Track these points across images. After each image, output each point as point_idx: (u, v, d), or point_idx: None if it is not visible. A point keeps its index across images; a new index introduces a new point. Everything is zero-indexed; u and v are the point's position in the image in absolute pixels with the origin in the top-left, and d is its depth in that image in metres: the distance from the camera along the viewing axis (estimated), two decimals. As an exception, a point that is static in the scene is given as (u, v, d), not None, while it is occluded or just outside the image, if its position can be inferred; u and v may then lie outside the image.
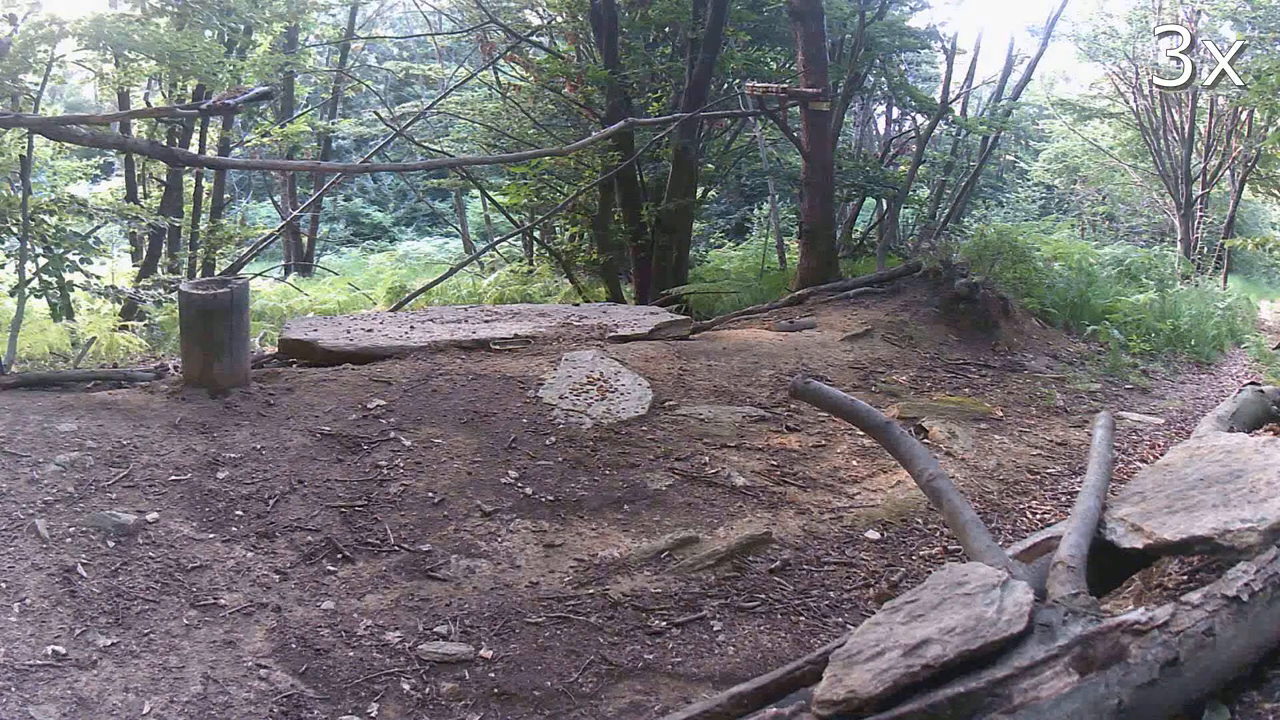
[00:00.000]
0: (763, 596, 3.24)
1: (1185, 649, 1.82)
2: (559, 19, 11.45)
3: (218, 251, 12.02)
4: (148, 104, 11.14)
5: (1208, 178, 17.09)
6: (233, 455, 3.73)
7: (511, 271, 13.52)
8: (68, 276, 6.61)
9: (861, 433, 3.92)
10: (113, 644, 2.58)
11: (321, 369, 4.93)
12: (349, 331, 5.61)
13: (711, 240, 15.76)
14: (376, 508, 3.55)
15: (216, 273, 11.05)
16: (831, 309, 7.42)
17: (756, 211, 14.99)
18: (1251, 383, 4.31)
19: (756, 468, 4.28)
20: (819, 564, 3.52)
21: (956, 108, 12.76)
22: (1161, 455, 3.78)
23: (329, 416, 4.21)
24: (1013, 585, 1.97)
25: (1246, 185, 17.01)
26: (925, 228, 12.34)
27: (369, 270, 15.06)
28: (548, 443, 4.25)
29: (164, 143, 8.90)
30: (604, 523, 3.66)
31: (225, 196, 14.28)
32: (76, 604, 2.70)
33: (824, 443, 4.67)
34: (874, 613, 2.13)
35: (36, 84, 7.44)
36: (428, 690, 2.64)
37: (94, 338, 8.75)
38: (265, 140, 12.11)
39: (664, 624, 3.04)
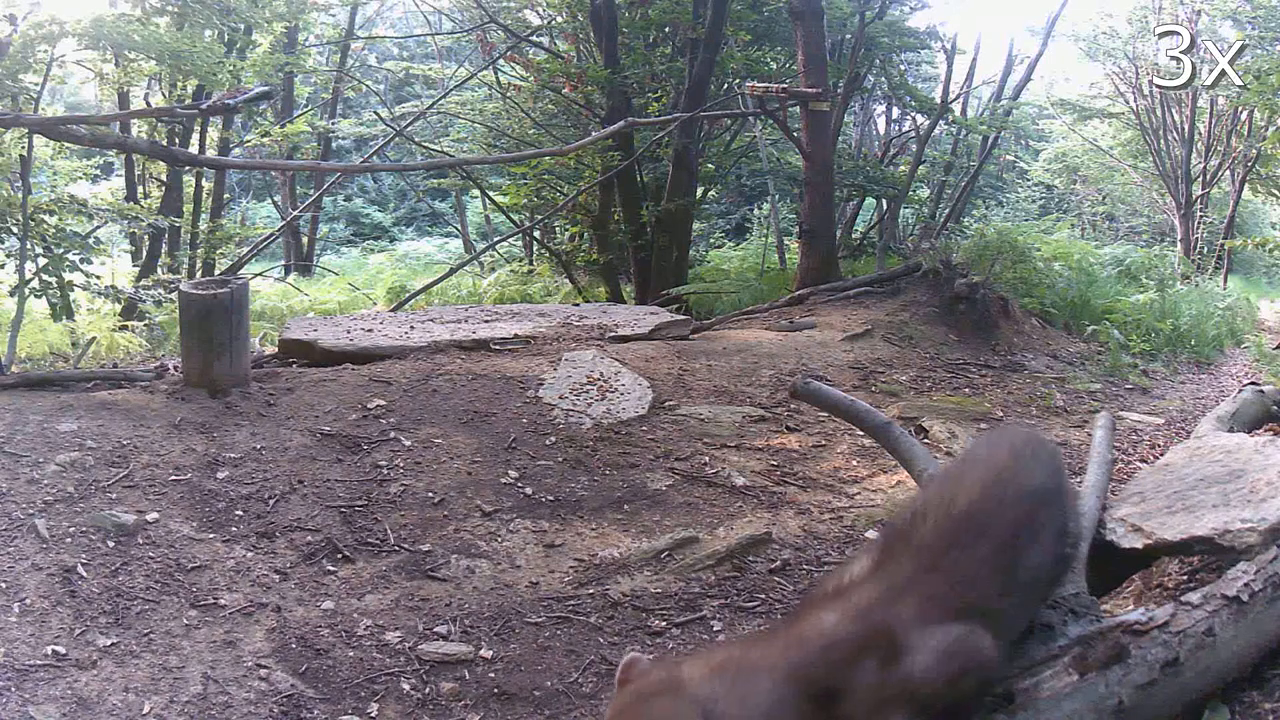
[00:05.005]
0: (763, 596, 3.24)
1: (1185, 649, 1.82)
2: (559, 19, 11.45)
3: (218, 251, 12.03)
4: (148, 104, 11.14)
5: (1208, 178, 17.08)
6: (233, 455, 3.73)
7: (511, 271, 13.52)
8: (68, 276, 6.61)
9: (861, 433, 3.92)
10: (113, 644, 2.58)
11: (321, 369, 4.93)
12: (349, 331, 5.61)
13: (711, 240, 15.76)
14: (376, 508, 3.55)
15: (216, 273, 11.05)
16: (831, 309, 7.42)
17: (756, 211, 14.98)
18: (1251, 383, 4.31)
19: (756, 468, 4.28)
20: (819, 564, 3.51)
21: (956, 108, 12.77)
22: (1161, 455, 3.79)
23: (329, 416, 4.21)
24: (1013, 585, 1.97)
25: (1246, 185, 17.00)
26: (925, 228, 12.33)
27: (369, 270, 15.05)
28: (548, 443, 4.25)
29: (164, 143, 8.90)
30: (604, 523, 3.66)
31: (225, 196, 14.30)
32: (76, 604, 2.70)
33: (824, 443, 4.67)
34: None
35: (36, 84, 7.45)
36: (428, 690, 2.64)
37: (94, 338, 8.76)
38: (265, 140, 12.10)
39: (664, 624, 3.04)
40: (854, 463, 4.46)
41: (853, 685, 1.52)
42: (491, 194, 12.99)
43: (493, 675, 2.73)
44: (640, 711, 1.50)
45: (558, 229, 13.35)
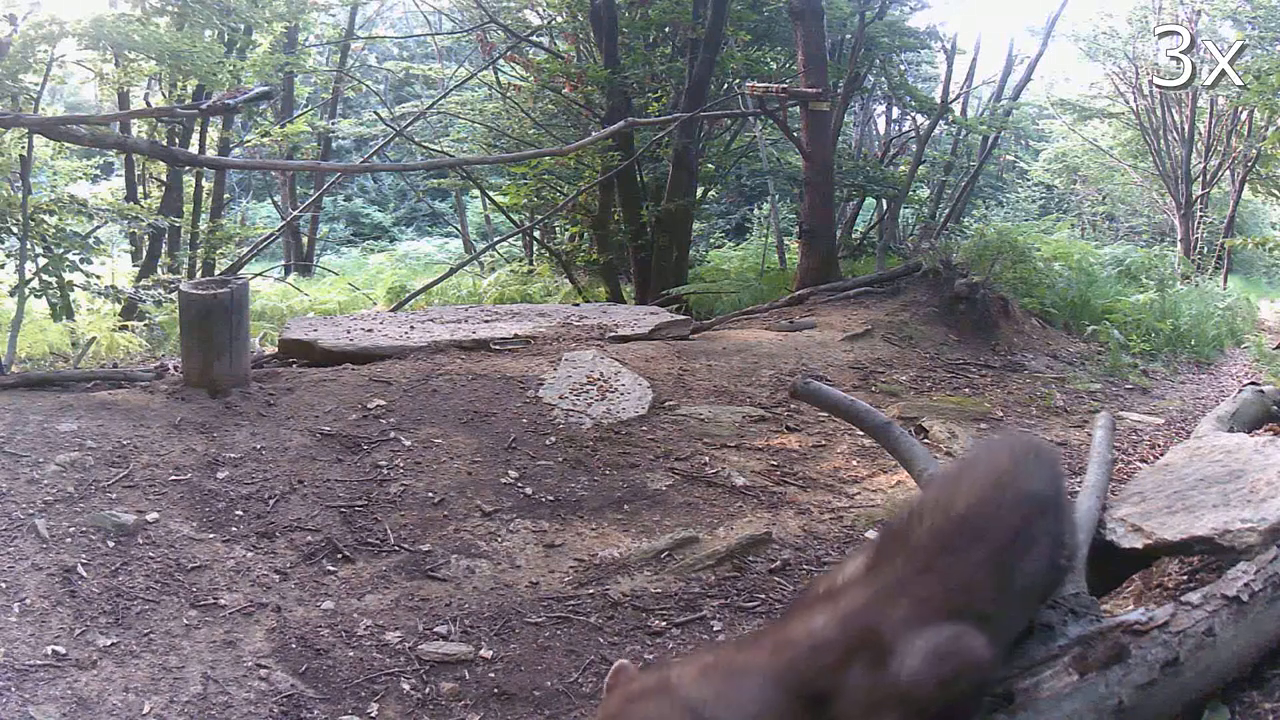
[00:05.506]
0: (763, 596, 3.24)
1: (1185, 649, 1.82)
2: (559, 19, 11.46)
3: (218, 251, 12.03)
4: (148, 104, 11.14)
5: (1208, 178, 17.08)
6: (233, 455, 3.73)
7: (511, 271, 13.52)
8: (68, 276, 6.62)
9: (861, 433, 3.92)
10: (113, 644, 2.58)
11: (321, 369, 4.93)
12: (349, 331, 5.61)
13: (711, 240, 15.76)
14: (376, 508, 3.55)
15: (216, 273, 11.05)
16: (831, 309, 7.42)
17: (756, 211, 14.98)
18: (1251, 383, 4.31)
19: (756, 468, 4.28)
20: (819, 564, 3.51)
21: (956, 108, 12.77)
22: (1161, 455, 3.78)
23: (329, 416, 4.21)
24: (1013, 585, 1.97)
25: (1246, 185, 17.00)
26: (925, 228, 12.33)
27: (369, 270, 15.06)
28: (548, 443, 4.25)
29: (164, 143, 8.90)
30: (604, 523, 3.66)
31: (225, 196, 14.30)
32: (76, 604, 2.70)
33: (824, 443, 4.67)
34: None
35: (36, 84, 7.45)
36: (428, 690, 2.64)
37: (94, 338, 8.76)
38: (265, 140, 12.11)
39: (664, 624, 3.04)
40: (854, 463, 4.46)
41: (843, 688, 1.52)
42: (491, 194, 13.00)
43: (493, 675, 2.73)
44: (630, 714, 1.50)
45: (558, 229, 13.35)
